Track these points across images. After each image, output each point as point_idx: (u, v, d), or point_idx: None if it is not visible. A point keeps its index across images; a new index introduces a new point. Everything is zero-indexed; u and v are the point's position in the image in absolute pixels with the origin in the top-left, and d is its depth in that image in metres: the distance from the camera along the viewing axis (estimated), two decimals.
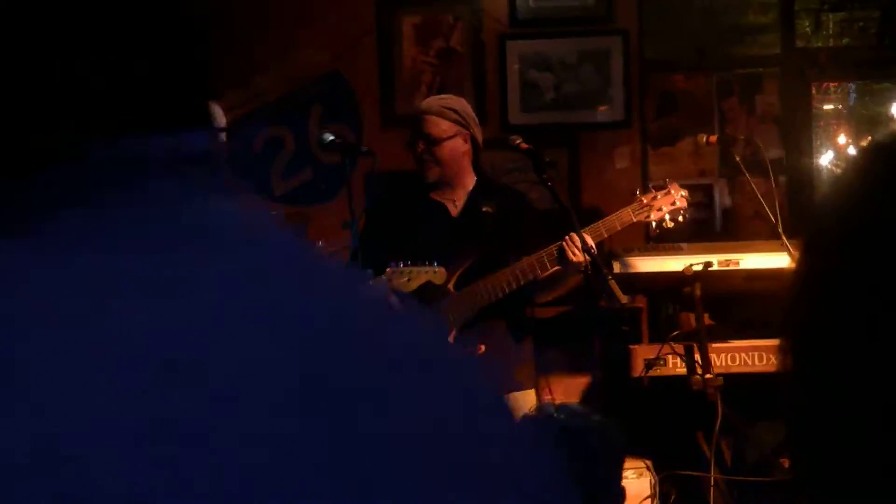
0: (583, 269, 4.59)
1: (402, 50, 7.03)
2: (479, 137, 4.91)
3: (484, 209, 4.84)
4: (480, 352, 4.66)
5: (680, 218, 4.90)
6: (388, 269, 4.45)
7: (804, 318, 0.96)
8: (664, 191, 4.88)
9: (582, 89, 7.03)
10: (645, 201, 4.83)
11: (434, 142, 4.80)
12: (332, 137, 4.37)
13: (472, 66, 7.03)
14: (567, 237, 4.60)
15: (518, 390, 4.82)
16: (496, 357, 4.76)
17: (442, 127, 4.82)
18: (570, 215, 4.62)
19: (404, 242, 4.83)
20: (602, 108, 7.05)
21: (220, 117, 4.39)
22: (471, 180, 4.91)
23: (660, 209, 4.83)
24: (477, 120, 4.94)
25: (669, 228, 4.95)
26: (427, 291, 4.59)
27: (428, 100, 5.07)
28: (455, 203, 4.89)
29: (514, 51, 7.02)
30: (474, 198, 4.88)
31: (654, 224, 4.88)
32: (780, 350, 0.97)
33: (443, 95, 5.21)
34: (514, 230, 4.83)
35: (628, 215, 4.80)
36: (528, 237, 4.80)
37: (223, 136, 4.31)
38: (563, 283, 4.80)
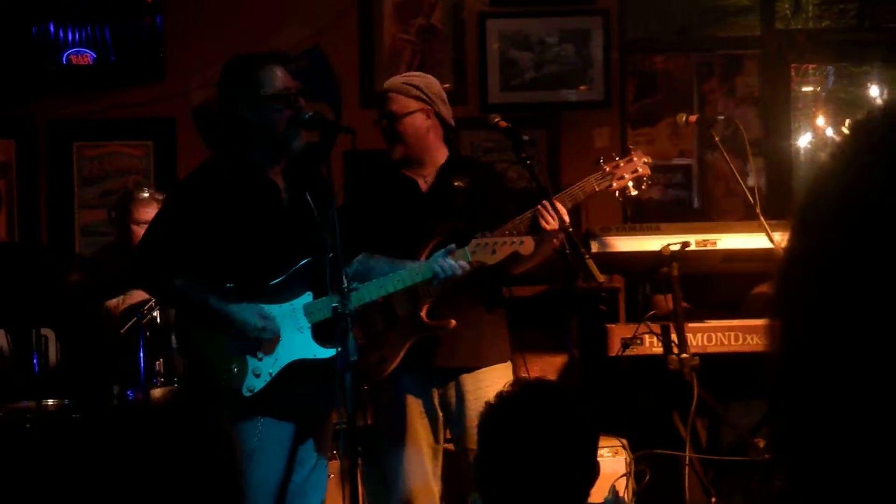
0: (560, 248, 4.57)
1: (382, 27, 7.01)
2: (446, 114, 4.87)
3: (455, 184, 4.82)
4: (451, 326, 4.65)
5: (643, 185, 4.86)
6: (472, 241, 4.44)
7: (793, 299, 0.96)
8: (626, 158, 4.83)
9: (562, 69, 7.03)
10: (607, 170, 4.77)
11: (394, 118, 4.80)
12: (310, 115, 4.35)
13: (452, 44, 7.01)
14: (540, 205, 4.57)
15: (492, 364, 4.83)
16: (469, 332, 4.75)
17: (402, 103, 4.80)
18: (548, 194, 4.60)
19: (378, 219, 4.83)
20: (582, 87, 7.05)
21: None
22: (441, 156, 4.89)
23: (622, 177, 4.77)
24: (444, 96, 4.90)
25: (642, 202, 4.93)
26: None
27: (392, 78, 5.05)
28: (426, 179, 4.86)
29: (494, 29, 7.01)
30: (445, 173, 4.85)
31: (617, 193, 4.83)
32: (769, 330, 0.97)
33: (408, 73, 5.20)
34: (486, 205, 4.79)
35: (591, 185, 4.75)
36: (501, 212, 4.76)
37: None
38: (535, 255, 4.75)
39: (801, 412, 0.93)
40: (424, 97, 4.80)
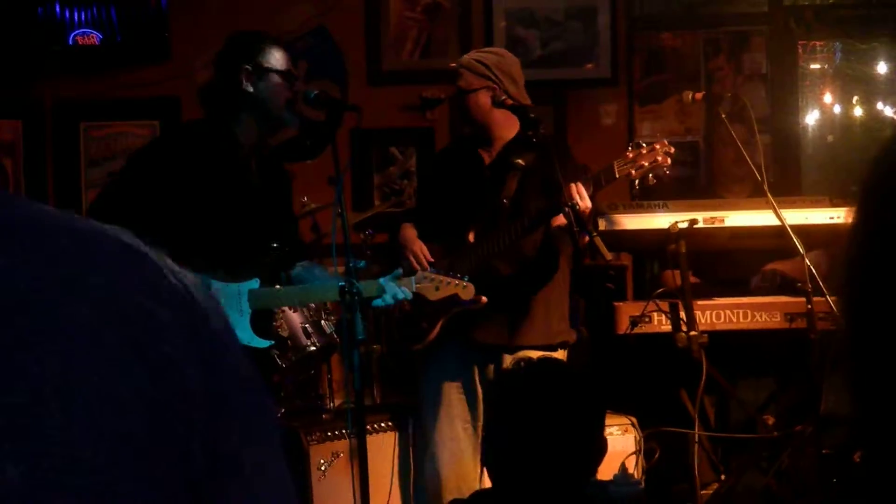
0: (566, 226, 4.54)
1: (388, 5, 6.99)
2: (516, 93, 4.79)
3: (516, 161, 4.79)
4: (482, 303, 4.65)
5: (664, 174, 4.80)
6: (419, 273, 4.42)
7: (863, 277, 0.93)
8: (649, 147, 4.77)
9: (568, 46, 7.00)
10: (630, 157, 4.74)
11: (460, 94, 4.83)
12: (317, 93, 4.34)
13: (459, 22, 6.99)
14: (567, 187, 4.52)
15: (538, 346, 4.74)
16: (510, 310, 4.76)
17: (468, 80, 4.81)
18: (556, 172, 4.58)
19: (444, 193, 4.90)
20: (589, 65, 7.02)
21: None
22: (510, 134, 4.88)
23: (640, 166, 4.72)
24: (516, 75, 4.84)
25: (653, 185, 4.88)
26: (451, 246, 4.75)
27: (468, 53, 5.05)
28: (491, 155, 4.88)
29: (500, 6, 6.99)
30: (508, 151, 4.84)
31: (636, 181, 4.77)
32: (839, 309, 0.95)
33: (485, 49, 5.22)
34: (545, 183, 4.74)
35: (613, 171, 4.72)
36: (551, 195, 4.64)
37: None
38: (568, 242, 4.72)
39: (873, 393, 0.91)
40: (491, 75, 4.78)
